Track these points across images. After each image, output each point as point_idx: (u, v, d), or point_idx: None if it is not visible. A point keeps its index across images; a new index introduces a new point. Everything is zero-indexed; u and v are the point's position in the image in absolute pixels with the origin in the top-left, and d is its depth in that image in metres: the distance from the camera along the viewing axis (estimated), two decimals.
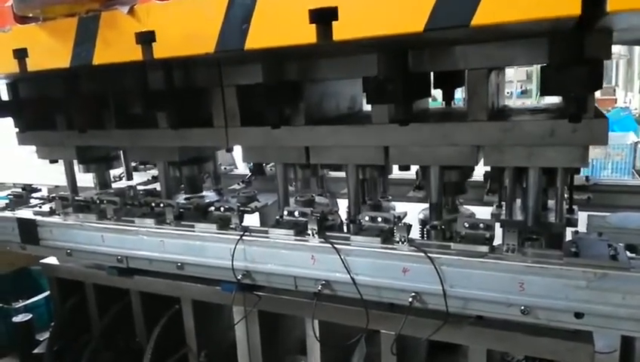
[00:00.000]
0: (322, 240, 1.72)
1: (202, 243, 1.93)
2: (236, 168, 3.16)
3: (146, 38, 1.49)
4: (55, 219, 2.30)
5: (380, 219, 1.72)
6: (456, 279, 1.51)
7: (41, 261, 2.58)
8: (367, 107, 1.74)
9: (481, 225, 1.57)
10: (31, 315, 2.93)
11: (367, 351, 1.93)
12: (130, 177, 2.54)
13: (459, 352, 1.77)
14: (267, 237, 1.82)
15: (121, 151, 2.47)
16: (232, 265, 1.83)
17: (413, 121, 1.56)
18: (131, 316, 2.43)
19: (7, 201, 2.54)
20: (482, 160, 1.61)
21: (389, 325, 1.71)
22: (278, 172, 1.96)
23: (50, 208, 2.36)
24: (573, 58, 1.25)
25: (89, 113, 2.11)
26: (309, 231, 1.77)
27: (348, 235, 1.74)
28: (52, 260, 2.54)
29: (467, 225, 1.58)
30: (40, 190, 2.83)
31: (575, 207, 1.85)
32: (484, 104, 1.50)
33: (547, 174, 1.65)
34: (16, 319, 2.89)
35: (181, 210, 2.13)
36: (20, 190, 2.68)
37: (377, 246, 1.64)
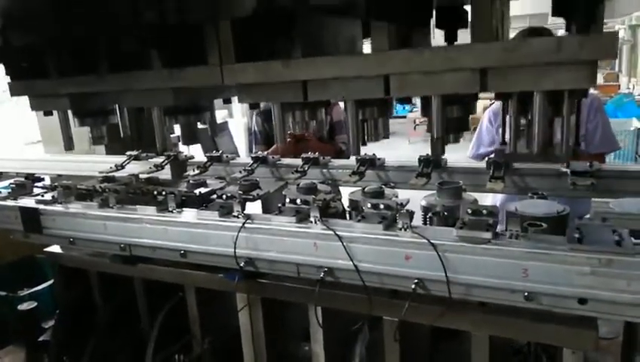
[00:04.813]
0: (324, 227, 1.71)
1: (205, 231, 1.92)
2: (238, 156, 3.15)
3: None
4: (58, 207, 2.29)
5: (382, 206, 1.72)
6: (459, 265, 1.51)
7: (45, 249, 2.58)
8: (367, 50, 1.66)
9: (484, 211, 1.56)
10: (36, 303, 2.88)
11: (370, 337, 1.94)
12: (126, 131, 2.34)
13: (462, 338, 1.76)
14: (269, 225, 1.82)
15: (117, 106, 2.32)
16: (235, 252, 1.84)
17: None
18: (136, 304, 2.45)
19: (9, 191, 2.53)
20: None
21: (392, 311, 1.72)
22: (276, 115, 1.82)
23: (53, 196, 2.35)
24: None
25: (81, 56, 2.02)
26: (312, 219, 1.77)
27: (350, 222, 1.74)
28: (56, 248, 2.54)
29: (470, 212, 1.58)
30: (43, 179, 2.84)
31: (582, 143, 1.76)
32: (488, 26, 1.42)
33: (553, 105, 1.55)
34: (22, 307, 2.85)
35: (183, 198, 2.14)
36: (22, 179, 2.66)
37: (380, 233, 1.64)
